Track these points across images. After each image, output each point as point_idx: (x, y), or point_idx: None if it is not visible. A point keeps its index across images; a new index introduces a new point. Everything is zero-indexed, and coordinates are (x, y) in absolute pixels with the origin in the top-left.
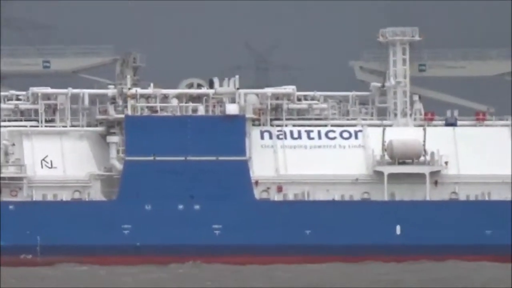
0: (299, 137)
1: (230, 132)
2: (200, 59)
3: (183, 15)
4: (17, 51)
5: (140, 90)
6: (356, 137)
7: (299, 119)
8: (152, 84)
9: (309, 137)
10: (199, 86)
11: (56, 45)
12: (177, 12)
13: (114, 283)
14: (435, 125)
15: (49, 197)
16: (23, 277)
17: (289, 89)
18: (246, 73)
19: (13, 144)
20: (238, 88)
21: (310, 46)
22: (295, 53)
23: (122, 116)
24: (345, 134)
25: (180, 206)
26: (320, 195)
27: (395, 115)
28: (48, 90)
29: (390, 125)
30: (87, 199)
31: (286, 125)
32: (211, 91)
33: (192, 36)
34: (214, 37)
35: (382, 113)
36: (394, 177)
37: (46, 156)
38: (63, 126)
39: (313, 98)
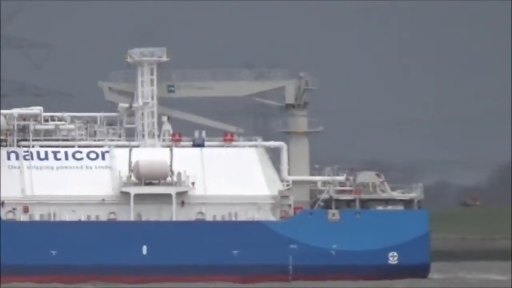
0: (46, 157)
1: None
2: None
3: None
4: None
5: None
6: (103, 158)
7: (46, 139)
8: None
9: (56, 158)
10: None
11: None
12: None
13: None
14: (183, 146)
15: None
16: None
17: (36, 109)
18: None
19: None
20: None
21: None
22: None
23: None
24: (92, 155)
25: None
26: (67, 216)
27: (143, 136)
28: None
29: (138, 146)
30: None
31: (33, 146)
32: None
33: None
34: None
35: (131, 134)
36: (141, 198)
37: None
38: None
39: (60, 119)
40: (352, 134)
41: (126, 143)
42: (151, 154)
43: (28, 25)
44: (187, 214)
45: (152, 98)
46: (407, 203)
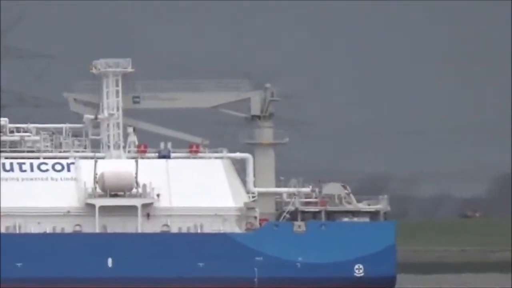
0: (11, 169)
1: None
2: None
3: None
4: None
5: None
6: (69, 170)
7: (11, 151)
8: None
9: (21, 170)
10: None
11: None
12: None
13: None
14: (148, 158)
15: None
16: None
17: (2, 121)
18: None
19: None
20: None
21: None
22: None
23: None
24: (58, 167)
25: None
26: (32, 228)
27: (109, 147)
28: None
29: (103, 158)
30: None
31: None
32: None
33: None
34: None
35: (96, 146)
36: (106, 210)
37: None
38: None
39: (26, 131)
40: (351, 145)
41: (91, 154)
42: (117, 166)
43: (28, 35)
44: (153, 226)
45: (118, 109)
46: (373, 215)
